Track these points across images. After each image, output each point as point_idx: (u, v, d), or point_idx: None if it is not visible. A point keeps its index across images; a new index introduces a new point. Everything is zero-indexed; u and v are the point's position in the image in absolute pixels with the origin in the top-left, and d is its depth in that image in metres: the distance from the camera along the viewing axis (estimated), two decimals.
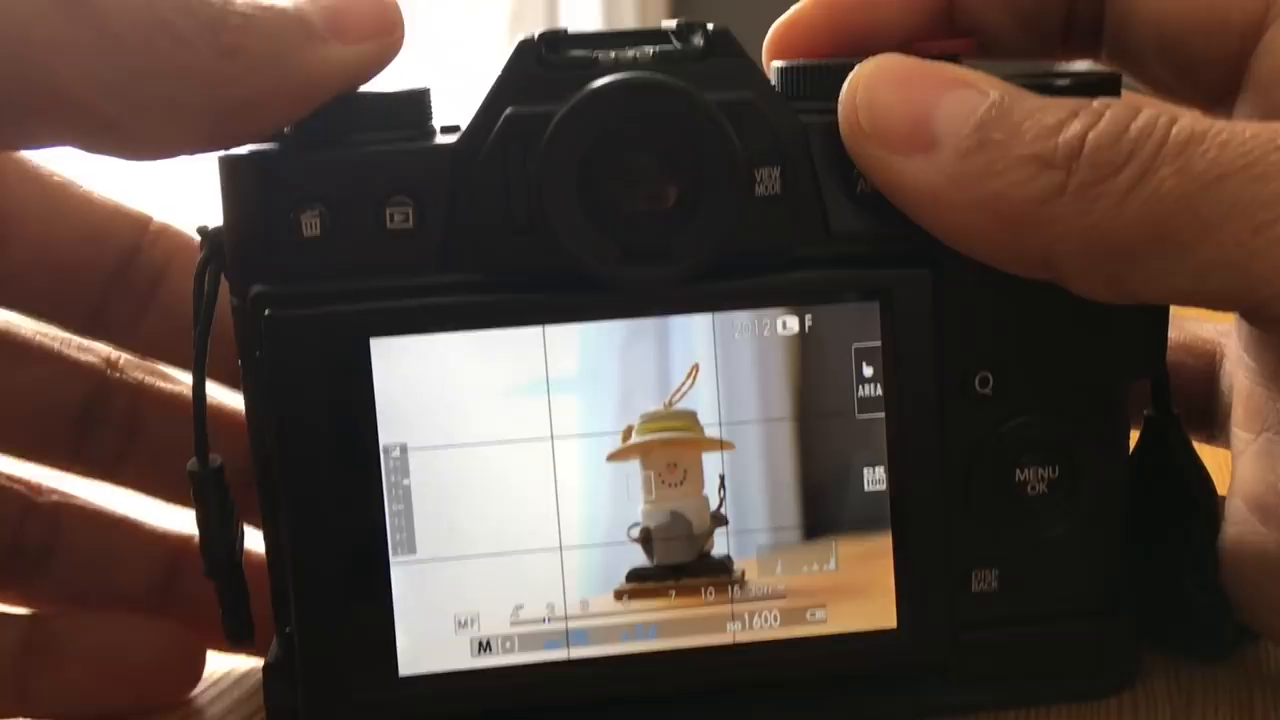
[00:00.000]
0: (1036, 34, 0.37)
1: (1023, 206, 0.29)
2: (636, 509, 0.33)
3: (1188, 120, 0.29)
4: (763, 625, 0.34)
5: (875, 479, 0.33)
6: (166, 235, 0.38)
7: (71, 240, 0.37)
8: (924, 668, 0.35)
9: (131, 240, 0.38)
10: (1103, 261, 0.30)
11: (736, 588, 0.33)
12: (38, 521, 0.38)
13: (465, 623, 0.33)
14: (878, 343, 0.33)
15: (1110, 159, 0.29)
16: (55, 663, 0.37)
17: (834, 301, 0.33)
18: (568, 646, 0.33)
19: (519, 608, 0.33)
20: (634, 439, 0.33)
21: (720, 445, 0.33)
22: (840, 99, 0.32)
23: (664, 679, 0.34)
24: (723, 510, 0.33)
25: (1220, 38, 0.34)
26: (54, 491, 0.39)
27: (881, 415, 0.33)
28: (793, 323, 0.33)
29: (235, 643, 0.36)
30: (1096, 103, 0.30)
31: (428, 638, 0.33)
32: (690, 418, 0.33)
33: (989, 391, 0.34)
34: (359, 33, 0.32)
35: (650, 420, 0.33)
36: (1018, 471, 0.34)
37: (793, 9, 0.37)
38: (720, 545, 0.33)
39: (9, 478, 0.38)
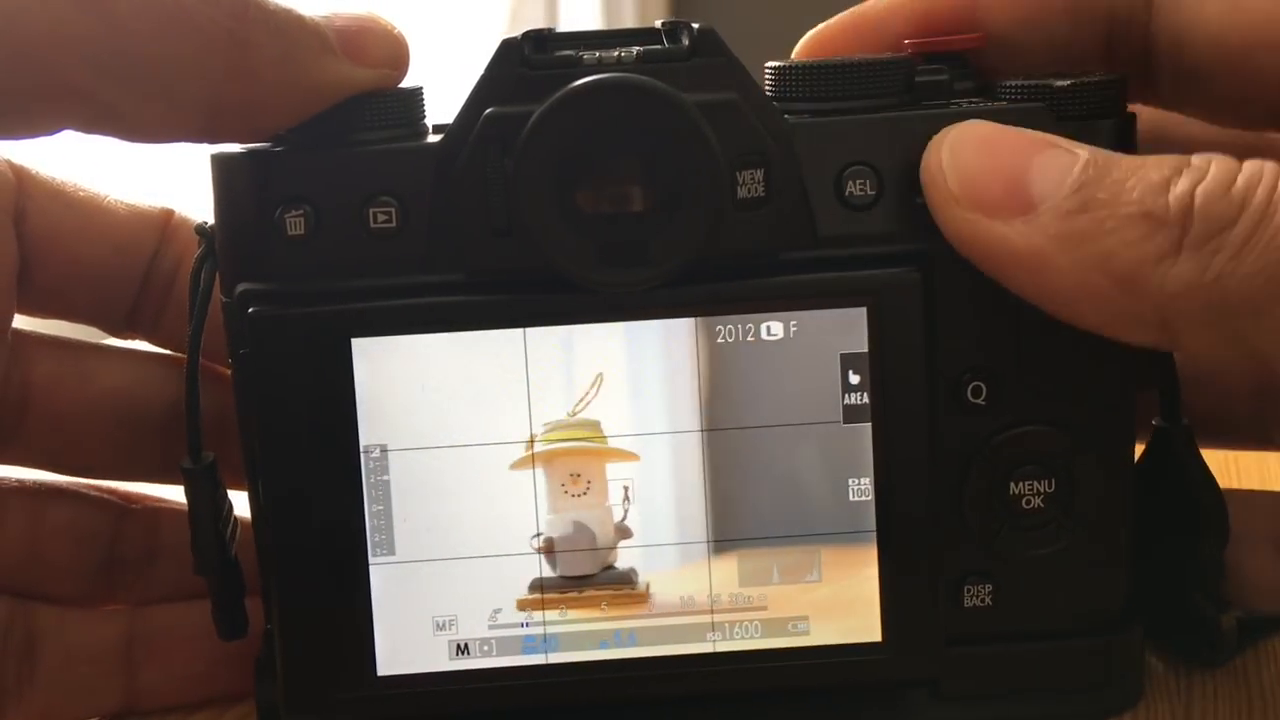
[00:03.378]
0: (1072, 62, 0.36)
1: (1136, 266, 0.29)
2: (542, 518, 0.33)
3: None
4: (743, 635, 0.33)
5: (860, 489, 0.33)
6: (183, 229, 0.38)
7: (102, 254, 0.38)
8: (910, 682, 0.34)
9: (154, 243, 0.38)
10: (1224, 318, 0.29)
11: (714, 598, 0.33)
12: (136, 529, 0.38)
13: (443, 625, 0.33)
14: (864, 349, 0.32)
15: (1224, 212, 0.28)
16: (162, 652, 0.38)
17: (819, 306, 0.32)
18: (546, 651, 0.33)
19: (497, 611, 0.33)
20: (536, 447, 0.32)
21: (625, 455, 0.32)
22: (924, 163, 0.31)
23: (642, 686, 0.33)
24: (626, 522, 0.33)
25: None
26: (147, 498, 0.39)
27: (868, 424, 0.32)
28: (777, 327, 0.32)
29: (228, 637, 0.36)
30: (1196, 158, 0.30)
31: (406, 639, 0.33)
32: (593, 426, 0.32)
33: (982, 401, 0.33)
34: (370, 58, 0.32)
35: (552, 429, 0.32)
36: (1012, 484, 0.33)
37: (819, 27, 0.36)
38: (626, 558, 0.33)
39: (100, 489, 0.39)
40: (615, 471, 0.32)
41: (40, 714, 0.37)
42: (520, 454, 0.32)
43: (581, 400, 0.32)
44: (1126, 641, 0.35)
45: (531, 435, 0.32)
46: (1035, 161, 0.30)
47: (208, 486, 0.35)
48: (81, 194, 0.37)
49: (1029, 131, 0.31)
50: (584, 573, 0.33)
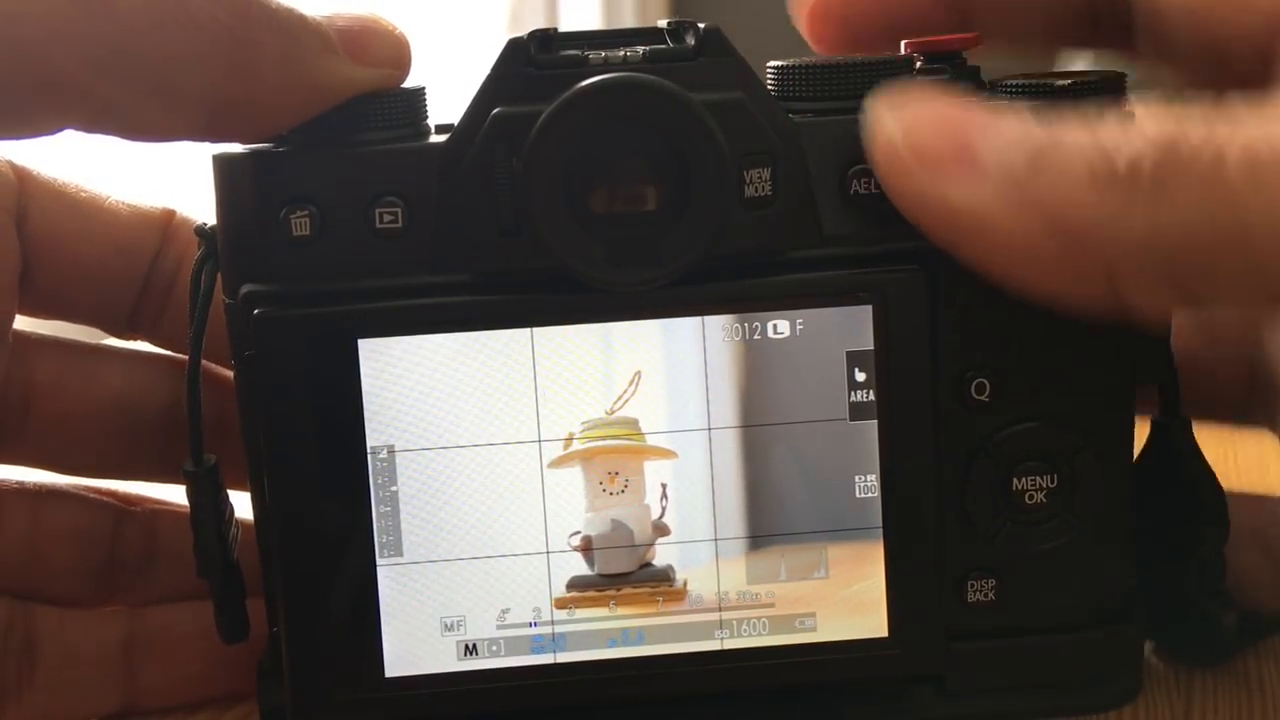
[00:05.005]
0: (1062, 26, 0.36)
1: (1084, 223, 0.28)
2: (579, 516, 0.33)
3: (1242, 109, 0.28)
4: (751, 632, 0.33)
5: (867, 485, 0.33)
6: (184, 230, 0.38)
7: (104, 254, 0.37)
8: (915, 677, 0.34)
9: (155, 244, 0.38)
10: (1173, 272, 0.28)
11: (721, 595, 0.33)
12: (134, 531, 0.38)
13: (451, 625, 0.33)
14: (870, 346, 0.32)
15: (1175, 160, 0.28)
16: (161, 653, 0.38)
17: (826, 304, 0.32)
18: (554, 650, 0.33)
19: (505, 611, 0.33)
20: (575, 445, 0.32)
21: (663, 453, 0.33)
22: (870, 128, 0.31)
23: (650, 685, 0.33)
24: (664, 519, 0.33)
25: (1248, 17, 0.33)
26: (146, 500, 0.39)
27: (874, 421, 0.33)
28: (783, 325, 0.32)
29: (230, 640, 0.36)
30: (1142, 111, 0.29)
31: (414, 640, 0.33)
32: (632, 425, 0.32)
33: (986, 397, 0.33)
34: (372, 58, 0.32)
35: (591, 427, 0.32)
36: (1015, 480, 0.33)
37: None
38: (664, 554, 0.33)
39: (99, 492, 0.39)
40: (653, 469, 0.33)
41: (40, 715, 0.37)
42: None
43: (620, 398, 0.32)
44: (1126, 636, 0.35)
45: (570, 434, 0.32)
46: (983, 118, 0.29)
47: (210, 489, 0.35)
48: (83, 195, 0.37)
49: (974, 98, 0.31)
50: (622, 570, 0.33)
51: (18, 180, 0.36)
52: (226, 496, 0.36)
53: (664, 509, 0.33)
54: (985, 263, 0.30)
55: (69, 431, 0.37)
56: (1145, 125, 0.29)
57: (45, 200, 0.36)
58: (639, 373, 0.32)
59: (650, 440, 0.32)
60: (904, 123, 0.30)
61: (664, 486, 0.33)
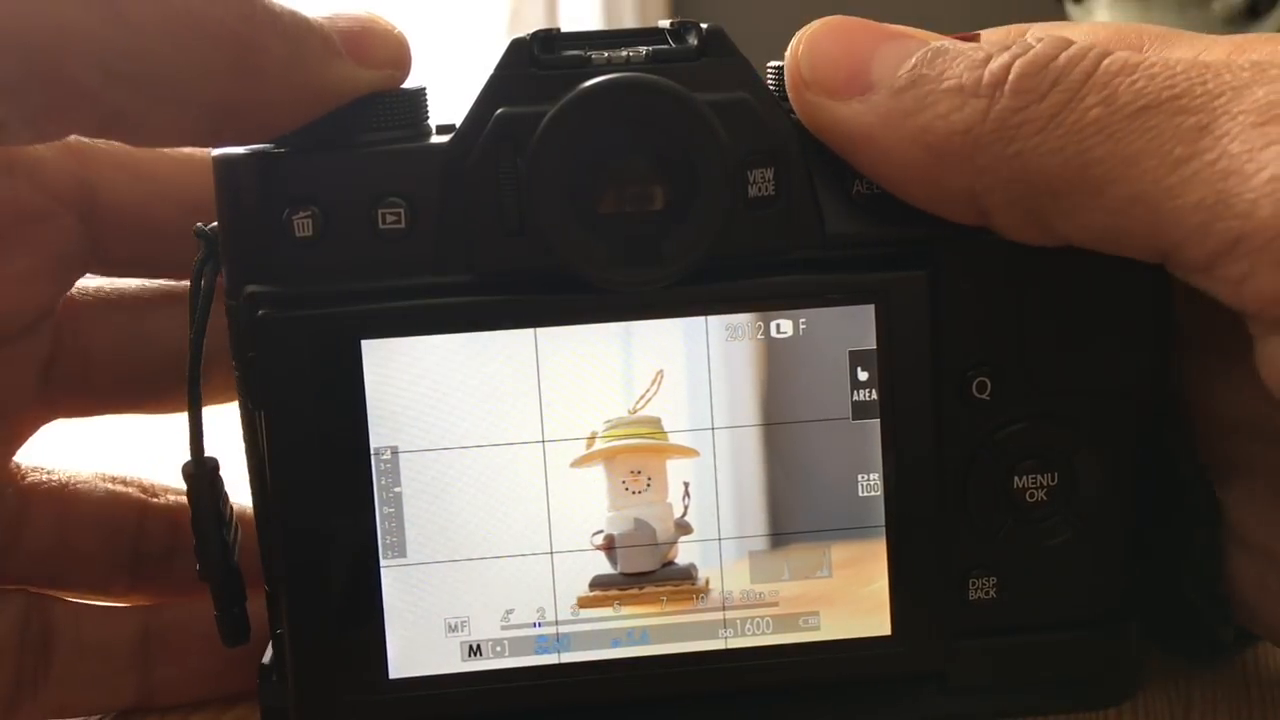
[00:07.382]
0: None
1: (948, 137, 0.29)
2: (603, 515, 0.33)
3: (1124, 53, 0.28)
4: (755, 631, 0.33)
5: (869, 484, 0.33)
6: None
7: (170, 214, 0.37)
8: (918, 675, 0.34)
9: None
10: (1024, 195, 0.29)
11: (725, 594, 0.33)
12: (157, 523, 0.38)
13: (456, 626, 0.33)
14: (873, 346, 0.33)
15: (1034, 85, 0.28)
16: (177, 649, 0.38)
17: (828, 304, 0.32)
18: (558, 651, 0.33)
19: (509, 612, 0.33)
20: (598, 445, 0.32)
21: (686, 451, 0.33)
22: (786, 54, 0.32)
23: (655, 684, 0.33)
24: (686, 518, 0.33)
25: None
26: (169, 491, 0.39)
27: (876, 420, 0.33)
28: (786, 325, 0.32)
29: (231, 644, 0.36)
30: (1032, 34, 0.30)
31: (418, 641, 0.33)
32: (654, 424, 0.33)
33: (987, 396, 0.33)
34: (374, 59, 0.32)
35: (614, 426, 0.32)
36: (1016, 478, 0.33)
37: None
38: (686, 553, 0.33)
39: (124, 482, 0.39)
40: (675, 467, 0.33)
41: (56, 708, 0.37)
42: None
43: (643, 397, 0.32)
44: (1126, 634, 0.35)
45: (592, 433, 0.32)
46: (881, 47, 0.30)
47: (211, 490, 0.35)
48: (143, 160, 0.37)
49: (886, 25, 0.31)
50: (644, 569, 0.33)
51: (78, 164, 0.36)
52: (227, 497, 0.35)
53: (686, 507, 0.33)
54: (873, 175, 0.31)
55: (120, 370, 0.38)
56: (1026, 45, 0.29)
57: (109, 172, 0.36)
58: (661, 372, 0.32)
59: (681, 439, 0.33)
60: (812, 48, 0.31)
61: (686, 485, 0.33)
